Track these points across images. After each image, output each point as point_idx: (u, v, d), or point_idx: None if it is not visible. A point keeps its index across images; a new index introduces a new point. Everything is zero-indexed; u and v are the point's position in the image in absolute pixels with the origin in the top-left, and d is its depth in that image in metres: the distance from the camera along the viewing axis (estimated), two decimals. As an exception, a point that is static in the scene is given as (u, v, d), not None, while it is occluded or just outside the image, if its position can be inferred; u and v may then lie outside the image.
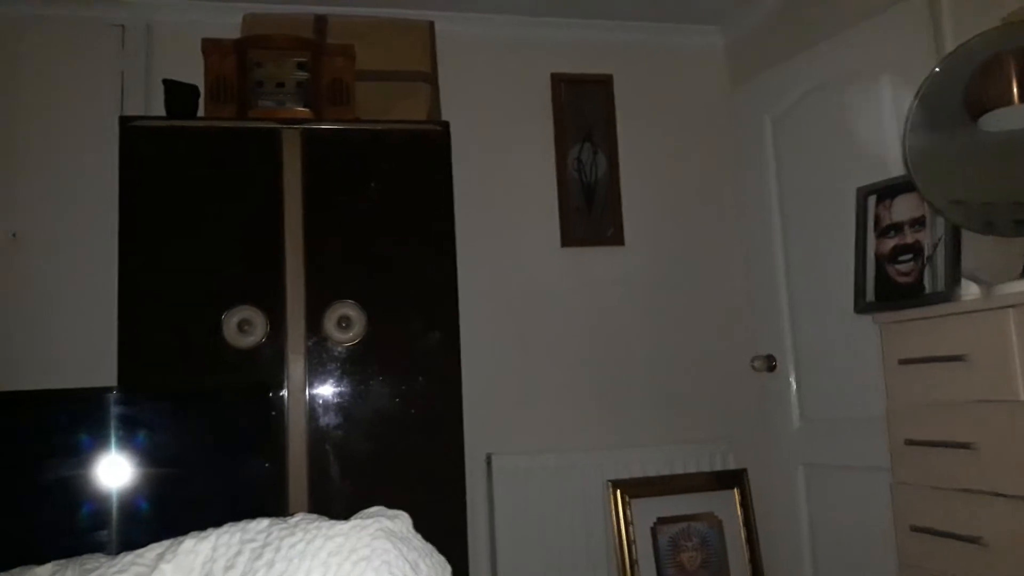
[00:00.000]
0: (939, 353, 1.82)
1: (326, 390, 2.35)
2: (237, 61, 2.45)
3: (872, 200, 2.11)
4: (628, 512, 2.82)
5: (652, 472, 2.91)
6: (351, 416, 2.35)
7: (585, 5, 3.08)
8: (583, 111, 3.17)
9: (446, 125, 2.54)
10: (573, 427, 3.02)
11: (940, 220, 1.93)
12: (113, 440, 2.07)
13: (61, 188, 2.75)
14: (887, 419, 1.99)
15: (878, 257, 2.06)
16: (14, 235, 2.71)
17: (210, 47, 2.47)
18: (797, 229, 2.80)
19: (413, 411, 2.39)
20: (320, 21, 2.73)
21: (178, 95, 2.46)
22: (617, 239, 3.13)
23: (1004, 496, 1.68)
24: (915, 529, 1.89)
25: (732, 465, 2.98)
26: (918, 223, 1.98)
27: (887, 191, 2.08)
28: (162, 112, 2.52)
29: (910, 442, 1.91)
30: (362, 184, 2.43)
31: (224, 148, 2.37)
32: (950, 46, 2.23)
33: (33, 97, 2.79)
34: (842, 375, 2.59)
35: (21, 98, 2.78)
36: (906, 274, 1.98)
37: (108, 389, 2.19)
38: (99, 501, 2.02)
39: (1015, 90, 1.81)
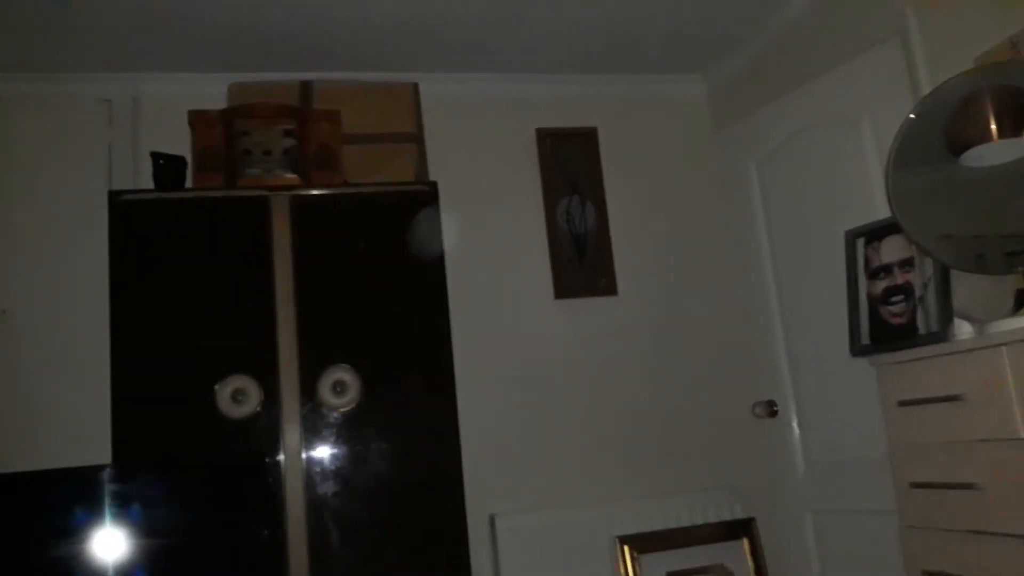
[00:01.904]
0: (936, 394, 1.81)
1: (323, 456, 2.32)
2: (224, 131, 2.47)
3: (861, 242, 2.12)
4: (637, 567, 2.76)
5: (659, 525, 2.86)
6: (349, 482, 2.32)
7: (567, 61, 3.13)
8: (569, 164, 3.20)
9: (434, 185, 2.55)
10: (576, 482, 2.98)
11: (929, 260, 1.94)
12: (110, 516, 2.05)
13: (51, 263, 2.75)
14: (891, 462, 1.97)
15: (870, 299, 2.06)
16: (3, 312, 2.70)
17: (196, 118, 2.50)
18: (789, 272, 2.81)
19: (412, 474, 2.36)
20: (305, 87, 2.77)
21: (166, 167, 2.47)
22: (610, 289, 3.13)
23: (1013, 536, 1.65)
24: (927, 573, 1.85)
25: (740, 514, 2.94)
26: (907, 264, 1.99)
27: (875, 233, 2.09)
28: (150, 184, 2.53)
29: (915, 484, 1.88)
30: (352, 247, 2.43)
31: (213, 217, 2.38)
32: (925, 86, 2.27)
33: (22, 173, 2.81)
34: (843, 418, 2.57)
35: (10, 174, 2.80)
36: (899, 315, 1.98)
37: (103, 467, 2.16)
38: (93, 583, 1.98)
39: (993, 127, 1.83)
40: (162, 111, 2.86)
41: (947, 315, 1.87)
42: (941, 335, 1.86)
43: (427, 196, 2.53)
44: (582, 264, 3.14)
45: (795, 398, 2.81)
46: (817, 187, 2.66)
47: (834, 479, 2.64)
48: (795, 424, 2.80)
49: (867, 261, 2.10)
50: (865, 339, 2.05)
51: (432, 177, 2.76)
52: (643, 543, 2.82)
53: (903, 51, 2.38)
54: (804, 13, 2.80)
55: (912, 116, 1.89)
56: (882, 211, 2.20)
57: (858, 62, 2.53)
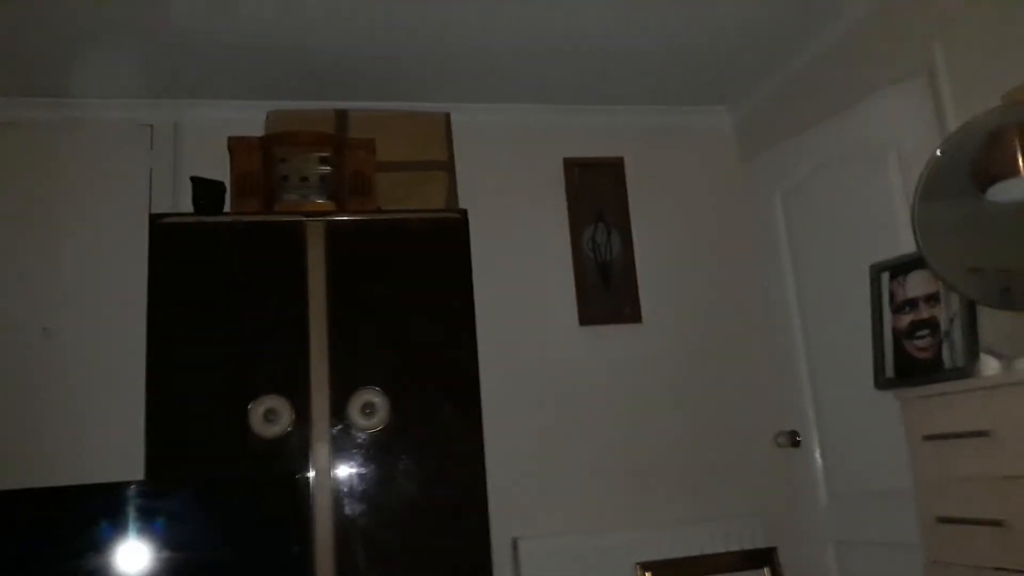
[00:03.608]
0: (963, 429, 1.82)
1: (351, 477, 2.36)
2: (263, 157, 2.54)
3: (886, 276, 2.14)
4: (657, 595, 2.76)
5: (681, 552, 2.86)
6: (376, 502, 2.35)
7: (595, 92, 3.19)
8: (596, 193, 3.25)
9: (464, 212, 2.60)
10: (599, 508, 3.00)
11: (955, 295, 1.95)
12: (142, 532, 2.09)
13: (92, 283, 2.83)
14: (916, 497, 1.97)
15: (895, 333, 2.07)
16: (45, 330, 2.78)
17: (236, 144, 2.58)
18: (813, 304, 2.83)
19: (438, 495, 2.39)
20: (341, 116, 2.84)
21: (205, 191, 2.55)
22: (635, 316, 3.16)
23: (1040, 575, 1.65)
24: (952, 609, 1.85)
25: (762, 543, 2.94)
26: (933, 299, 2.00)
27: (900, 267, 2.11)
28: (190, 207, 2.61)
29: (941, 519, 1.89)
30: (384, 272, 2.49)
31: (250, 242, 2.44)
32: (952, 120, 2.30)
33: (66, 196, 2.89)
34: (867, 450, 2.57)
35: (55, 197, 2.89)
36: (924, 349, 1.99)
37: (136, 483, 2.22)
38: (128, 598, 2.03)
39: (1020, 161, 1.86)
40: (202, 137, 2.94)
41: (973, 350, 1.88)
42: (967, 370, 1.87)
43: (457, 223, 2.58)
44: (607, 291, 3.18)
45: (818, 429, 2.81)
46: (842, 220, 2.68)
47: (857, 511, 2.64)
48: (818, 455, 2.80)
49: (892, 295, 2.12)
50: (890, 372, 2.06)
51: (462, 204, 2.82)
52: (664, 570, 2.81)
53: (930, 86, 2.40)
54: (831, 46, 2.84)
55: (939, 153, 1.92)
56: (907, 245, 2.22)
57: (885, 96, 2.55)
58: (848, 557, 2.68)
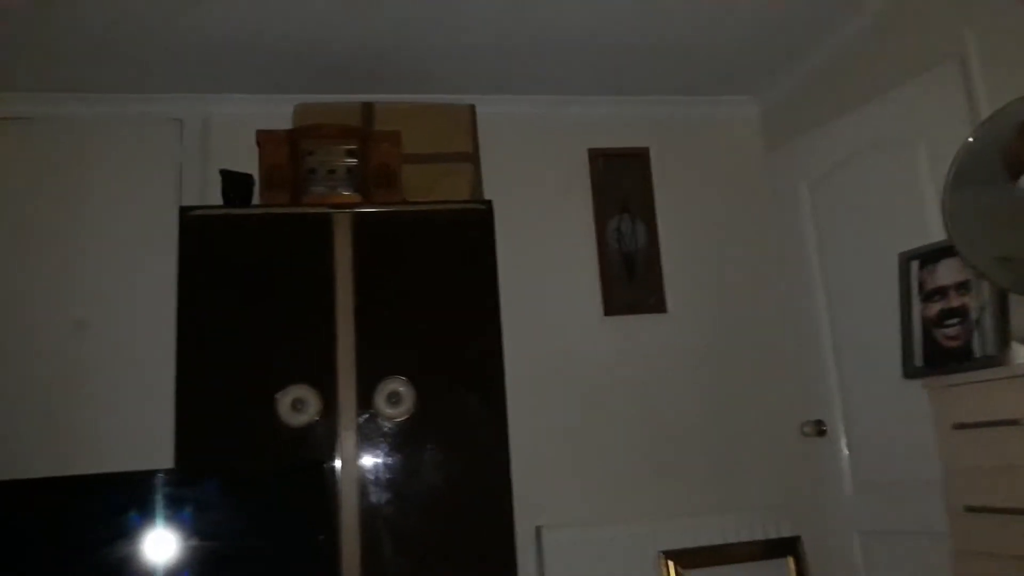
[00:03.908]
0: (993, 418, 1.80)
1: (377, 465, 2.38)
2: (290, 150, 2.57)
3: (915, 265, 2.12)
4: (682, 584, 2.77)
5: (705, 541, 2.87)
6: (401, 490, 2.38)
7: (619, 82, 3.19)
8: (621, 183, 3.25)
9: (489, 204, 2.62)
10: (623, 497, 3.00)
11: (985, 283, 1.93)
12: (171, 520, 2.13)
13: (123, 276, 2.88)
14: (944, 485, 1.96)
15: (924, 321, 2.06)
16: (78, 322, 2.83)
17: (264, 138, 2.60)
18: (840, 293, 2.81)
19: (463, 484, 2.41)
20: (367, 108, 2.86)
21: (234, 184, 2.58)
22: (659, 307, 3.16)
23: (1071, 564, 1.64)
24: (980, 599, 1.84)
25: (786, 533, 2.93)
26: (962, 287, 1.99)
27: (929, 256, 2.10)
28: (218, 200, 2.64)
29: (970, 508, 1.87)
30: (410, 263, 2.51)
31: (278, 233, 2.47)
32: (984, 108, 2.26)
33: (97, 190, 2.94)
34: (894, 439, 2.55)
35: (86, 191, 2.94)
36: (954, 338, 1.98)
37: (166, 471, 2.26)
38: (162, 582, 2.07)
39: (1053, 150, 1.83)
40: (230, 131, 2.97)
41: (1004, 339, 1.87)
42: (998, 359, 1.85)
43: (482, 214, 2.60)
44: (632, 282, 3.18)
45: (844, 418, 2.79)
46: (870, 209, 2.66)
47: (883, 500, 2.62)
48: (844, 444, 2.79)
49: (921, 283, 2.10)
50: (919, 361, 2.05)
51: (487, 196, 2.83)
52: (688, 559, 2.83)
53: (961, 73, 2.37)
54: (858, 34, 2.81)
55: (971, 140, 1.89)
56: (936, 234, 2.20)
57: (915, 84, 2.52)
58: (874, 547, 2.67)
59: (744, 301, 3.24)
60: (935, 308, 2.05)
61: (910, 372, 2.08)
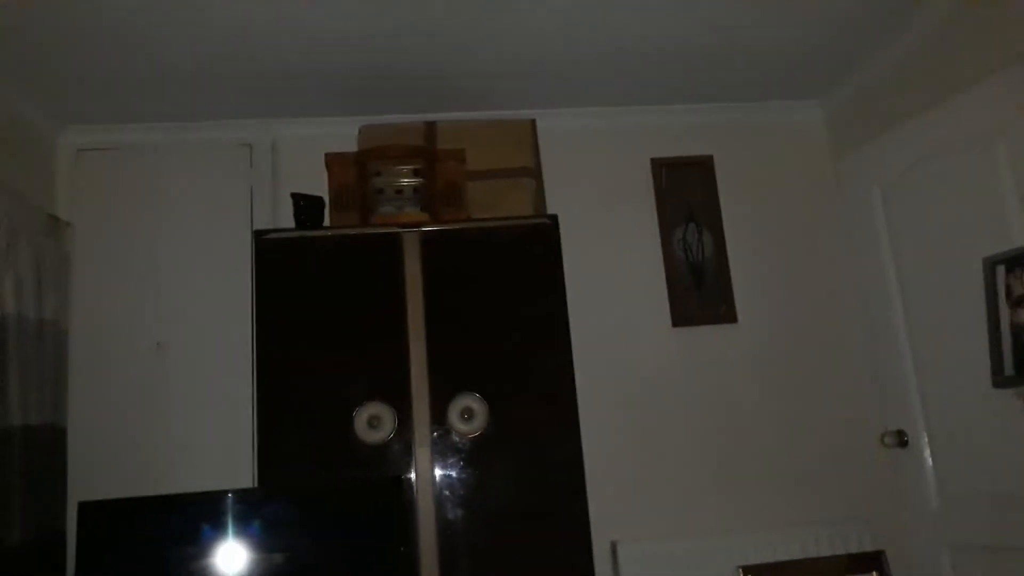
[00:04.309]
0: (1092, 427, 1.73)
1: (452, 480, 2.40)
2: (358, 171, 2.61)
3: (1001, 269, 2.06)
4: (762, 599, 2.72)
5: (783, 556, 2.80)
6: (476, 505, 2.39)
7: (681, 90, 3.16)
8: (685, 192, 3.22)
9: (554, 218, 2.62)
10: (698, 511, 2.96)
11: (1078, 287, 1.86)
12: (252, 537, 2.18)
13: (200, 298, 2.96)
14: (1040, 498, 1.89)
15: (1014, 328, 1.99)
16: (159, 344, 2.92)
17: (332, 160, 2.66)
18: (918, 300, 2.73)
19: (537, 499, 2.41)
20: (430, 127, 2.90)
21: (306, 207, 2.64)
22: (730, 317, 3.12)
23: None
24: (1083, 616, 1.77)
25: (868, 547, 2.85)
26: (1054, 292, 1.92)
27: (1016, 260, 2.03)
28: (288, 222, 2.70)
29: (1069, 522, 1.80)
30: (478, 280, 2.53)
31: (349, 254, 2.51)
32: (1065, 106, 2.19)
33: (173, 215, 3.04)
34: (982, 450, 2.47)
35: (162, 217, 3.03)
36: (1046, 345, 1.91)
37: (247, 490, 2.31)
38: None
39: None
40: (298, 153, 3.05)
41: (1099, 345, 1.79)
42: (1094, 366, 1.78)
43: (548, 228, 2.60)
44: (700, 292, 3.14)
45: (927, 428, 2.71)
46: (947, 213, 2.58)
47: (972, 513, 2.54)
48: (927, 455, 2.71)
49: (1008, 289, 2.03)
50: (1009, 370, 1.98)
51: (550, 210, 2.83)
52: (768, 573, 2.76)
53: (1037, 71, 2.30)
54: (925, 36, 2.74)
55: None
56: (1018, 238, 2.13)
57: (990, 83, 2.45)
58: (962, 562, 2.58)
59: (816, 309, 3.17)
60: (1024, 314, 1.98)
61: (1000, 381, 2.01)
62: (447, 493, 2.39)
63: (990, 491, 2.45)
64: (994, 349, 2.02)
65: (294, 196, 2.64)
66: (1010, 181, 2.35)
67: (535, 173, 2.94)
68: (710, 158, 3.25)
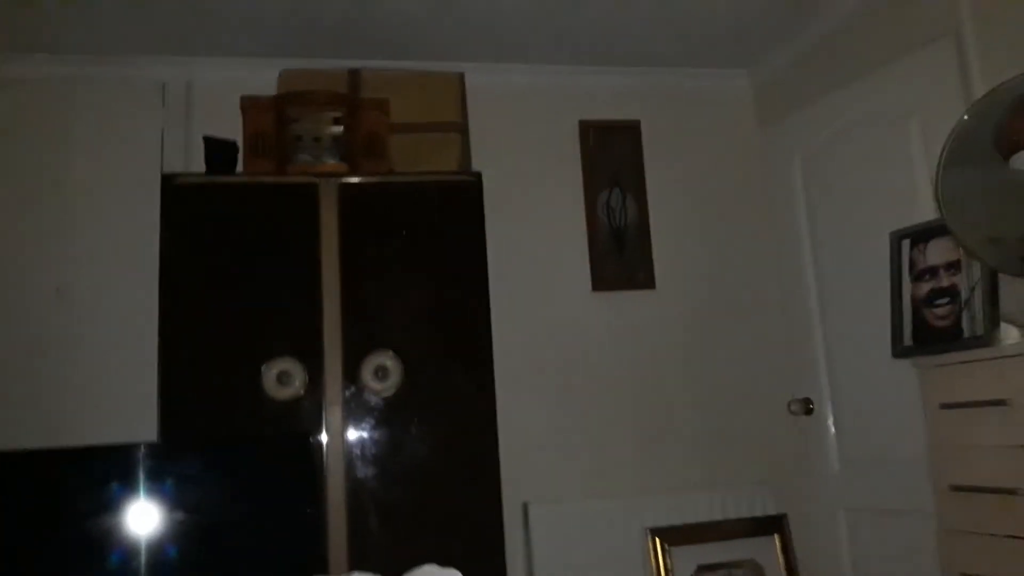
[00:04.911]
0: (980, 398, 1.80)
1: (364, 440, 2.37)
2: (275, 117, 2.52)
3: (906, 244, 2.11)
4: (668, 560, 2.79)
5: (691, 518, 2.88)
6: (388, 465, 2.37)
7: (612, 53, 3.13)
8: (611, 157, 3.21)
9: (478, 175, 2.58)
10: (610, 473, 3.00)
11: (976, 263, 1.92)
12: (154, 493, 2.12)
13: (104, 243, 2.82)
14: (930, 464, 1.97)
15: (914, 301, 2.05)
16: (58, 289, 2.78)
17: (249, 104, 2.55)
18: (830, 271, 2.80)
19: (450, 459, 2.40)
20: (354, 75, 2.80)
21: (218, 151, 2.53)
22: (648, 283, 3.14)
23: (1054, 544, 1.65)
24: (964, 577, 1.86)
25: (772, 510, 2.95)
26: (953, 267, 1.98)
27: (921, 234, 2.08)
28: (201, 167, 2.59)
29: (955, 488, 1.88)
30: (397, 235, 2.48)
31: (263, 202, 2.43)
32: (978, 87, 2.25)
33: (79, 154, 2.87)
34: (881, 418, 2.56)
35: (68, 155, 2.87)
36: (943, 318, 1.97)
37: (150, 443, 2.23)
38: (146, 553, 2.06)
39: (1046, 129, 1.81)
40: (214, 96, 2.91)
41: (994, 319, 1.86)
42: (987, 339, 1.85)
43: (471, 186, 2.56)
44: (621, 257, 3.15)
45: (832, 396, 2.80)
46: (862, 186, 2.64)
47: (869, 478, 2.64)
48: (831, 422, 2.80)
49: (912, 263, 2.09)
50: (908, 341, 2.05)
51: (475, 167, 2.79)
52: (674, 536, 2.84)
53: (956, 50, 2.35)
54: (854, 9, 2.77)
55: (965, 118, 1.87)
56: (927, 212, 2.19)
57: (909, 60, 2.50)
58: (859, 524, 2.69)
59: (734, 278, 3.22)
60: (925, 288, 2.04)
61: (899, 351, 2.07)
62: (358, 452, 2.36)
63: (887, 457, 2.55)
64: (895, 320, 2.08)
65: (206, 139, 2.53)
66: (921, 158, 2.41)
67: (462, 128, 2.87)
68: (638, 123, 3.25)
